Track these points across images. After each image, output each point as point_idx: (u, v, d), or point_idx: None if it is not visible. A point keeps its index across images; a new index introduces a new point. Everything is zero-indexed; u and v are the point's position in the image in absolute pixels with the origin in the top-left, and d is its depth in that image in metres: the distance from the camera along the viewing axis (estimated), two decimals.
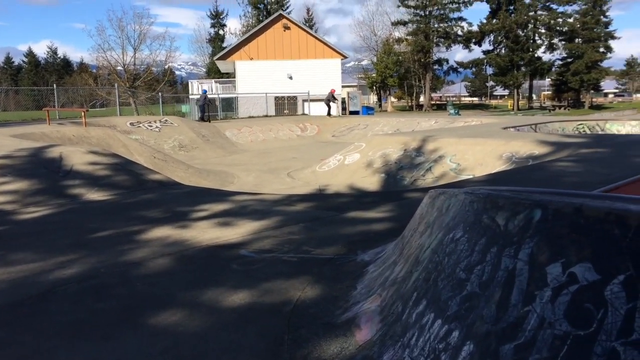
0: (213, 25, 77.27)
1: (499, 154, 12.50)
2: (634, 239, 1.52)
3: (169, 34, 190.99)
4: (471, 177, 12.08)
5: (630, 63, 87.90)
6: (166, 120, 23.10)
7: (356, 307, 2.88)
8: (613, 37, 67.50)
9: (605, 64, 68.57)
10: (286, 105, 40.38)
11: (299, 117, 33.18)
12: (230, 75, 49.38)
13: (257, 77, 41.72)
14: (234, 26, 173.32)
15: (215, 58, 47.17)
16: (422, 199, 6.60)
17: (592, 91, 71.42)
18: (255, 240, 4.74)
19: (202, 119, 27.54)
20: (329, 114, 32.33)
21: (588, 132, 20.22)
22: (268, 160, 18.82)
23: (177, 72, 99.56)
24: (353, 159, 14.89)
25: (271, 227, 5.18)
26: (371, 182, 13.51)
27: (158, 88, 42.66)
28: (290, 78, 42.51)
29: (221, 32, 77.43)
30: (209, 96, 29.85)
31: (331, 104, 32.42)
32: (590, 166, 8.47)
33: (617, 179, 7.11)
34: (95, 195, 7.88)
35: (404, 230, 3.83)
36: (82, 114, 18.66)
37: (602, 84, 74.76)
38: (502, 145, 12.81)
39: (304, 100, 40.18)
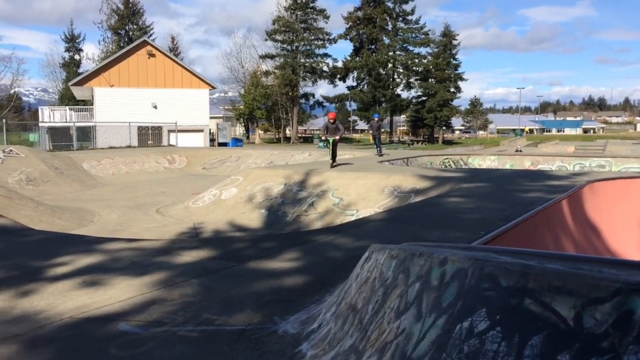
0: (68, 50, 72.31)
1: (381, 187, 12.34)
2: None
3: (16, 56, 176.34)
4: (355, 212, 11.77)
5: (474, 103, 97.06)
6: (11, 150, 20.24)
7: None
8: (462, 79, 74.09)
9: (454, 102, 74.97)
10: (150, 136, 38.16)
11: (165, 148, 31.28)
12: (87, 103, 45.73)
13: (118, 105, 38.88)
14: (91, 51, 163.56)
15: (70, 84, 43.26)
16: (328, 243, 5.95)
17: (444, 127, 77.36)
18: (139, 306, 3.67)
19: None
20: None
21: (454, 166, 21.22)
22: (133, 195, 17.10)
23: (24, 98, 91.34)
24: (230, 194, 13.91)
25: (157, 286, 4.13)
26: (251, 218, 12.63)
27: (2, 114, 38.12)
28: (155, 107, 40.31)
29: (77, 56, 72.76)
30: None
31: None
32: (479, 202, 8.43)
33: (512, 214, 7.04)
34: None
35: (339, 293, 3.07)
36: None
37: (451, 121, 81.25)
38: (384, 179, 12.68)
39: (169, 131, 38.23)
